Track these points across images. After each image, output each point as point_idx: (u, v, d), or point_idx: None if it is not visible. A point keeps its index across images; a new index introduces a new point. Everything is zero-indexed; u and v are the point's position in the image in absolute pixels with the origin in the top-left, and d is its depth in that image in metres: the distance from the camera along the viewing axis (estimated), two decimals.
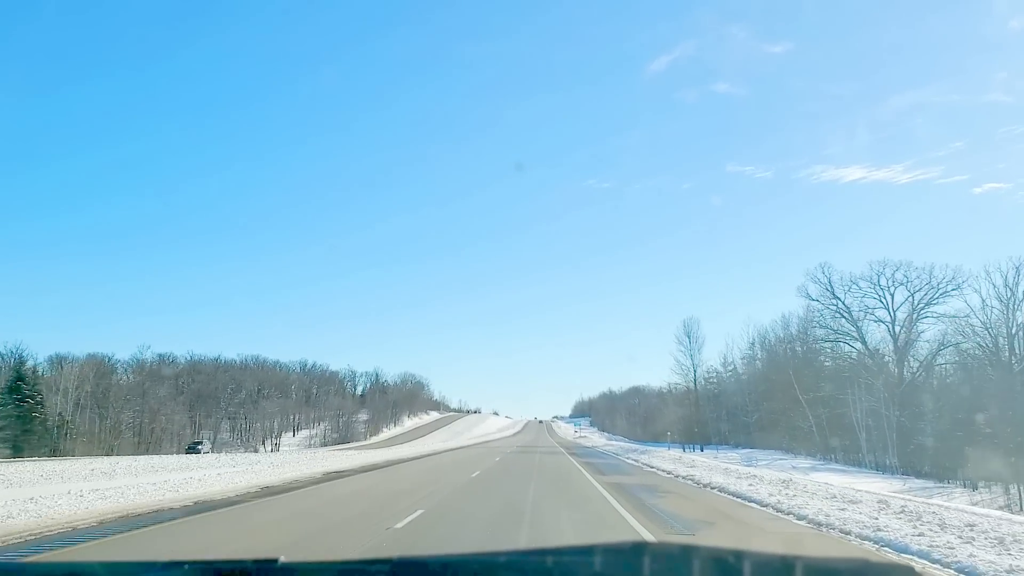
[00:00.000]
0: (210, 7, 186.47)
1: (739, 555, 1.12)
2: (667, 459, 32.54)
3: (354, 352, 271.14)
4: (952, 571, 7.21)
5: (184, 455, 46.46)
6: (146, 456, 46.25)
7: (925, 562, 7.68)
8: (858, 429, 45.39)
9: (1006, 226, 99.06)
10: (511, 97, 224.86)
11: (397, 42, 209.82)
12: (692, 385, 65.69)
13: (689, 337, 64.33)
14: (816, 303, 52.57)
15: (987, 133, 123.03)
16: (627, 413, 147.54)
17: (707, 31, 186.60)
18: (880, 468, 41.89)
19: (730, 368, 69.89)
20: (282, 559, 1.17)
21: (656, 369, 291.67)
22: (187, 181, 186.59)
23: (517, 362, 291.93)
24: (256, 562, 1.18)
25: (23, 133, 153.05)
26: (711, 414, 65.84)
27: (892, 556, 8.30)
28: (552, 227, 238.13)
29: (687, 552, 1.13)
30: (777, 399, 55.63)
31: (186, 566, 1.18)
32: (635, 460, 34.81)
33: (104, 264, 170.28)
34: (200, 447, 60.06)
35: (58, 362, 72.35)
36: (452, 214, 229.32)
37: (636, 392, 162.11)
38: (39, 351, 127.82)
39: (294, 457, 37.11)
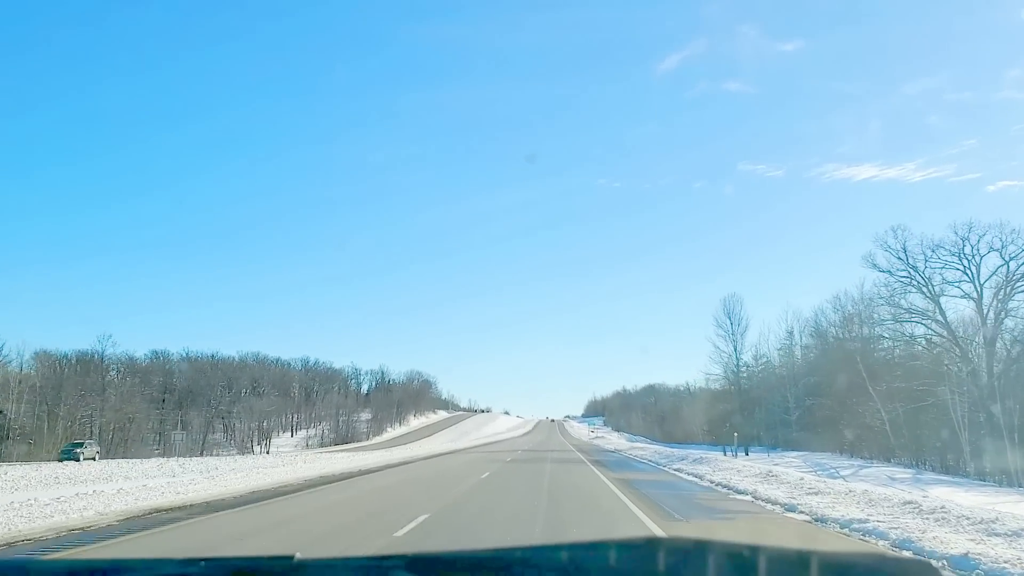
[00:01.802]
0: (216, 8, 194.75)
1: (754, 549, 1.22)
2: (744, 473, 23.59)
3: (362, 352, 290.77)
4: None
5: (64, 464, 38.07)
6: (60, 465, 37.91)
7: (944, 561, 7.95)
8: (959, 429, 39.81)
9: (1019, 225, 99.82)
10: (521, 97, 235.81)
11: (403, 42, 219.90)
12: (734, 375, 61.27)
13: (730, 319, 59.79)
14: (885, 275, 46.69)
15: (1000, 130, 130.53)
16: (643, 412, 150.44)
17: (718, 29, 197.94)
18: (982, 477, 37.17)
19: (763, 361, 67.77)
20: (298, 556, 1.29)
21: (672, 368, 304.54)
22: (197, 184, 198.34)
23: (528, 362, 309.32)
24: (271, 559, 1.30)
25: (22, 139, 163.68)
26: (743, 412, 64.84)
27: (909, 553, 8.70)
28: (562, 227, 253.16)
29: (701, 547, 1.23)
30: (831, 393, 51.71)
31: (202, 563, 1.31)
32: (695, 475, 25.87)
33: (111, 264, 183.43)
34: (80, 451, 47.78)
35: (41, 359, 72.71)
36: (462, 215, 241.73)
37: (652, 390, 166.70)
38: (27, 348, 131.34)
39: (221, 465, 31.77)
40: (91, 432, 68.90)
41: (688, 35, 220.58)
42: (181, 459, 43.22)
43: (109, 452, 65.14)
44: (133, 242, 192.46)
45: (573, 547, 1.26)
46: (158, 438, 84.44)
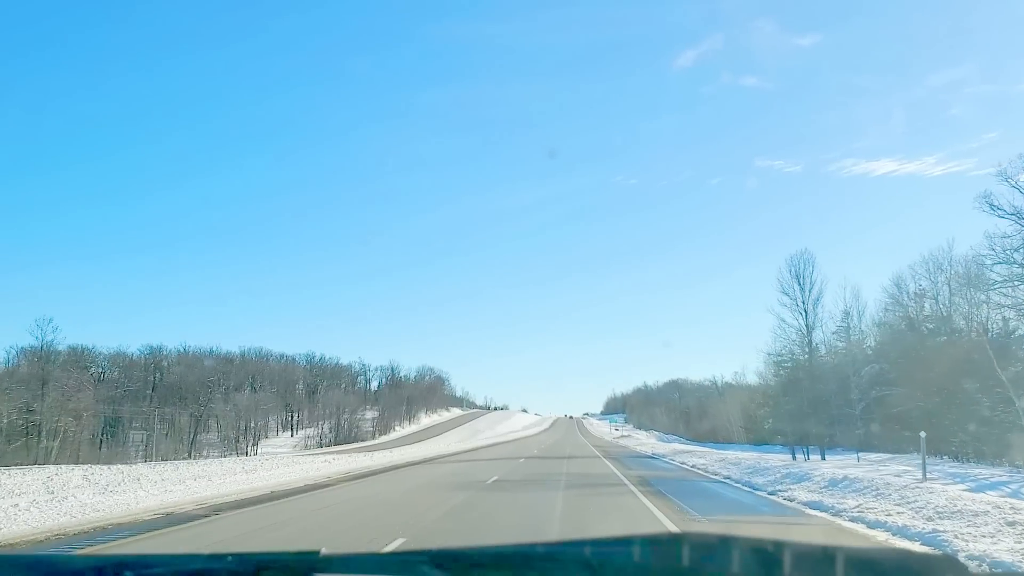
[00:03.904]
0: (230, 4, 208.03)
1: (779, 545, 1.34)
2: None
3: (375, 350, 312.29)
4: None
5: None
6: None
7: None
8: None
9: None
10: (537, 95, 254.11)
11: (421, 40, 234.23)
12: (805, 354, 53.93)
13: (800, 282, 52.30)
14: (1008, 221, 39.11)
15: (1021, 123, 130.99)
16: (667, 409, 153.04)
17: (734, 24, 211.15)
18: None
19: (808, 350, 64.18)
20: (323, 551, 1.44)
21: (694, 363, 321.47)
22: (214, 181, 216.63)
23: (546, 359, 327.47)
24: (297, 554, 1.45)
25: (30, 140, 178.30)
26: (787, 406, 62.85)
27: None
28: (579, 224, 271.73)
29: (726, 542, 1.36)
30: (915, 380, 45.38)
31: (228, 557, 1.46)
32: (899, 529, 12.32)
33: (118, 263, 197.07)
34: None
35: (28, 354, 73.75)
36: (480, 213, 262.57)
37: (675, 386, 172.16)
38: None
39: (149, 474, 25.17)
40: (27, 431, 64.09)
41: (704, 30, 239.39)
42: (103, 467, 26.28)
43: (49, 455, 61.25)
44: (146, 241, 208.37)
45: (597, 542, 1.39)
46: (154, 440, 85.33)
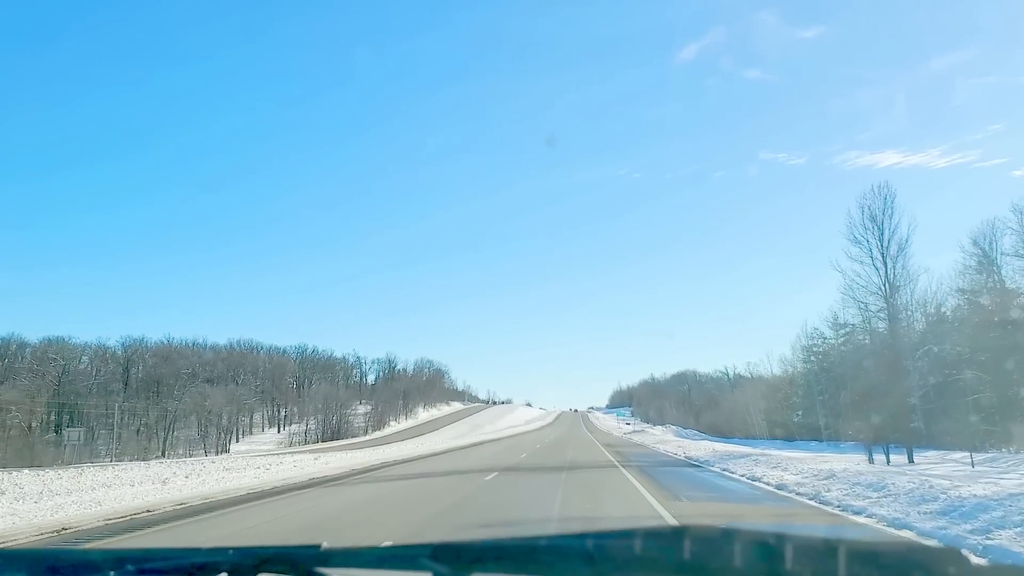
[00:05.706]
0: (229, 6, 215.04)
1: (781, 537, 1.45)
2: None
3: (379, 347, 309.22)
4: None
5: None
6: None
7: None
8: None
9: None
10: (542, 91, 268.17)
11: (423, 37, 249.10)
12: (886, 318, 45.10)
13: (878, 225, 43.03)
14: None
15: None
16: (677, 401, 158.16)
17: (736, 17, 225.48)
18: None
19: (844, 332, 55.80)
20: (324, 544, 1.55)
21: (700, 356, 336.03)
22: (221, 180, 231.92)
23: (551, 353, 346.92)
24: (298, 547, 1.57)
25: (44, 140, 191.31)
26: (818, 396, 62.52)
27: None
28: (584, 219, 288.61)
29: (728, 535, 1.47)
30: (1001, 363, 39.76)
31: (230, 551, 1.58)
32: None
33: (127, 261, 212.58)
34: None
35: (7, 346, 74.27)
36: (485, 210, 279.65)
37: (683, 378, 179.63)
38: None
39: None
40: None
41: (707, 23, 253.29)
42: None
43: None
44: (146, 240, 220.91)
45: (599, 535, 1.50)
46: (114, 437, 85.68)
